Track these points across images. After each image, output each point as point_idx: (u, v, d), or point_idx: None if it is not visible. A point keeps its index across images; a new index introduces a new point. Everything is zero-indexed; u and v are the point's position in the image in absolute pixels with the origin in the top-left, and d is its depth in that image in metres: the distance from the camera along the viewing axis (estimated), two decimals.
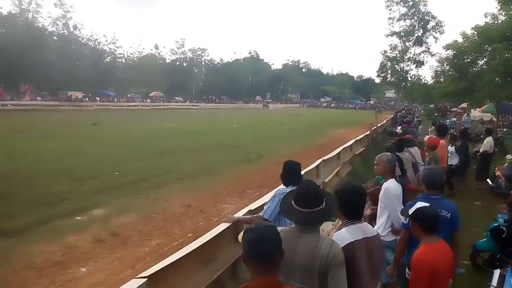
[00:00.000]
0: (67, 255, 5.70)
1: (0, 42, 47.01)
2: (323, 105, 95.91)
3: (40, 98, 47.82)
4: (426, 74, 73.82)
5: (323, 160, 8.58)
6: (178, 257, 3.22)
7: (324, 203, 2.33)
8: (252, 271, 1.81)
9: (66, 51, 56.60)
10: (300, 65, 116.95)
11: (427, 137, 9.49)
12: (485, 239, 5.55)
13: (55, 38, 60.69)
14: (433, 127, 14.34)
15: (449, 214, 3.49)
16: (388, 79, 52.47)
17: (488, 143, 11.34)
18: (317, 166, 8.11)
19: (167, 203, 8.53)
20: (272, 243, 1.80)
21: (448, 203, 3.60)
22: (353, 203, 2.65)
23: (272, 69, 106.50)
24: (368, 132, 17.14)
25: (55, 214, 7.35)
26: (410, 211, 3.02)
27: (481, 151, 11.43)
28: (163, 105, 60.23)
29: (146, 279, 2.75)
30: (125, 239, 6.41)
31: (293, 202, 2.34)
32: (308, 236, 2.28)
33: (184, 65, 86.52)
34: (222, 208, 8.23)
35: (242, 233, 1.94)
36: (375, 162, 4.53)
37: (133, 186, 9.75)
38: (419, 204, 3.07)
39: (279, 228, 2.27)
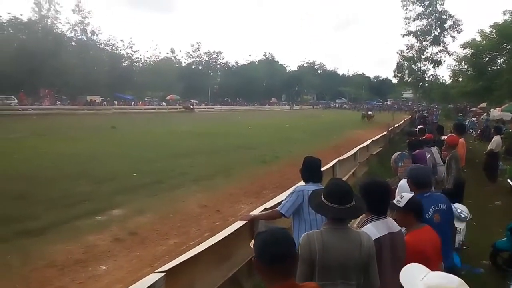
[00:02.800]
0: (87, 254, 5.82)
1: (20, 48, 48.26)
2: (336, 106, 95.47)
3: (59, 102, 48.73)
4: (444, 73, 72.49)
5: (339, 160, 8.55)
6: (195, 253, 3.27)
7: (354, 200, 2.34)
8: (266, 278, 1.75)
9: (84, 56, 57.65)
10: (315, 66, 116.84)
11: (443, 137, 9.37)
12: (505, 239, 5.46)
13: (73, 43, 61.80)
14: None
15: (445, 205, 3.57)
16: (405, 79, 51.96)
17: (495, 142, 11.03)
18: (333, 166, 8.08)
19: (184, 203, 8.63)
20: (285, 245, 1.72)
21: (440, 196, 3.69)
22: (379, 198, 2.66)
23: (287, 71, 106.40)
24: (385, 133, 16.99)
25: (75, 214, 7.51)
26: (400, 204, 3.01)
27: (487, 149, 11.17)
28: (179, 108, 60.68)
29: (164, 274, 2.80)
30: (144, 238, 6.51)
31: (324, 199, 2.34)
32: (349, 232, 2.32)
33: (200, 68, 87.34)
34: (239, 208, 8.28)
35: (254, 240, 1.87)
36: None
37: (151, 187, 9.89)
38: (409, 195, 3.12)
39: (315, 232, 2.33)
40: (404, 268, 1.63)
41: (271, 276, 1.72)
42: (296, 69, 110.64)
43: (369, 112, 43.98)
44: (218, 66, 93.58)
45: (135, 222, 7.28)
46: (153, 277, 2.74)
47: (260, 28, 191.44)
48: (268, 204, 4.76)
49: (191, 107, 57.30)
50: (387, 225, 2.62)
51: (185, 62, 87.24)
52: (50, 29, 57.16)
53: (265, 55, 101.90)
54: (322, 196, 2.37)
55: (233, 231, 3.89)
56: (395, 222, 2.79)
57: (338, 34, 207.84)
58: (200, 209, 8.25)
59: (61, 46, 54.91)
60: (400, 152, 4.86)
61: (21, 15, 55.42)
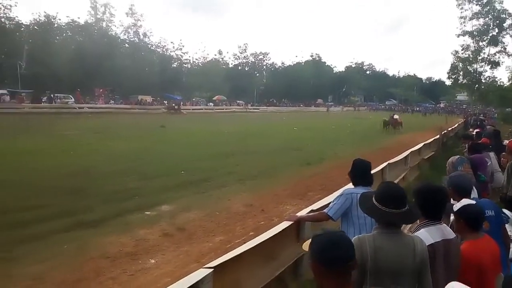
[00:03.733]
0: (138, 247, 6.04)
1: (78, 50, 51.22)
2: (385, 107, 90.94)
3: (112, 101, 50.94)
4: (502, 75, 68.18)
5: (388, 163, 8.31)
6: (242, 250, 3.29)
7: (407, 205, 2.26)
8: (323, 282, 1.67)
9: (136, 57, 60.17)
10: (364, 67, 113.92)
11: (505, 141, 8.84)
12: None
13: (126, 45, 64.69)
14: None
15: (492, 211, 3.42)
16: (459, 81, 49.58)
17: None
18: (382, 169, 7.87)
19: (229, 202, 8.74)
20: (343, 249, 1.64)
21: (486, 202, 3.54)
22: (433, 203, 2.56)
23: (334, 72, 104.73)
24: (438, 136, 16.31)
25: (126, 209, 7.83)
26: (455, 208, 2.88)
27: None
28: (226, 109, 61.52)
29: (212, 270, 2.85)
30: (191, 234, 6.66)
31: (376, 202, 2.27)
32: (402, 236, 2.25)
33: (246, 69, 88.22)
34: (283, 209, 8.26)
35: (307, 242, 1.80)
36: None
37: (198, 185, 10.10)
38: (465, 201, 2.94)
39: (367, 235, 2.26)
40: None
41: (329, 280, 1.65)
42: (343, 70, 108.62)
43: (395, 117, 30.48)
44: (264, 67, 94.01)
45: (182, 218, 7.47)
46: (202, 273, 2.80)
47: (307, 28, 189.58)
48: (315, 206, 4.71)
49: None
50: (441, 231, 2.51)
51: (232, 63, 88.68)
52: (105, 32, 60.24)
53: (312, 56, 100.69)
54: (373, 199, 2.30)
55: (280, 231, 3.89)
56: (450, 229, 2.68)
57: (389, 34, 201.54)
58: (245, 208, 8.32)
59: (115, 48, 57.73)
60: (459, 156, 4.62)
61: (79, 18, 58.98)
